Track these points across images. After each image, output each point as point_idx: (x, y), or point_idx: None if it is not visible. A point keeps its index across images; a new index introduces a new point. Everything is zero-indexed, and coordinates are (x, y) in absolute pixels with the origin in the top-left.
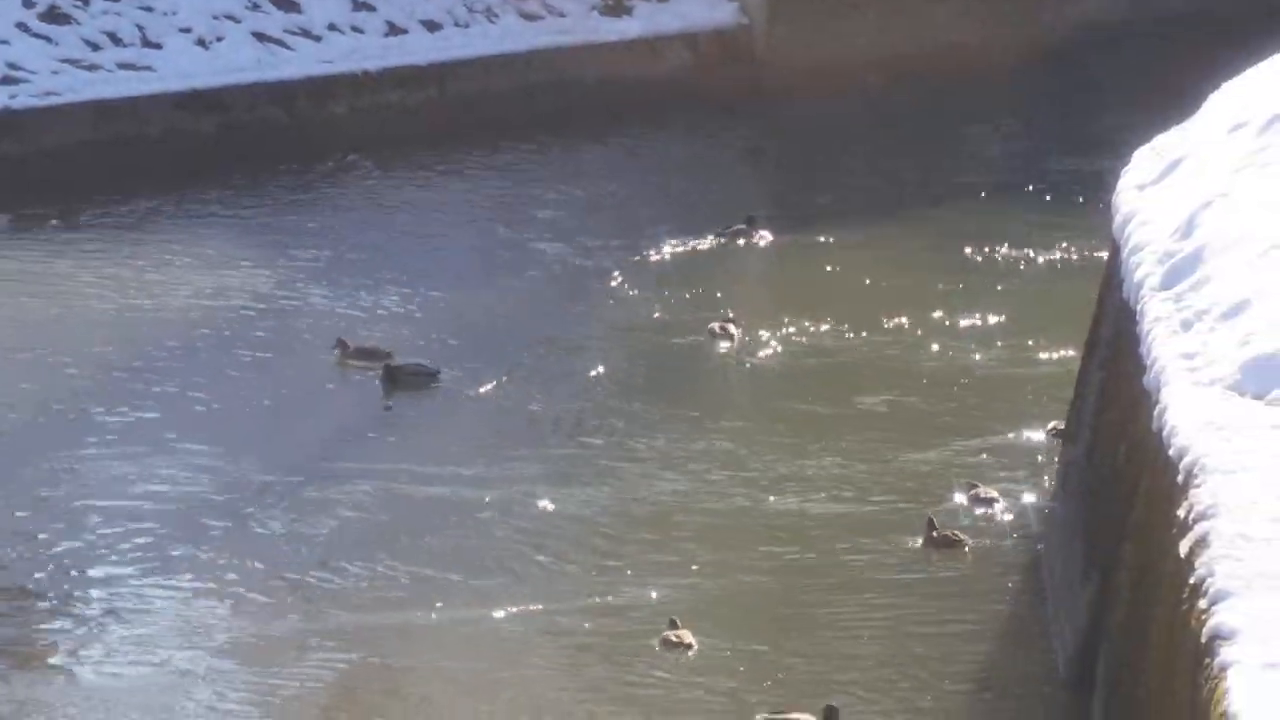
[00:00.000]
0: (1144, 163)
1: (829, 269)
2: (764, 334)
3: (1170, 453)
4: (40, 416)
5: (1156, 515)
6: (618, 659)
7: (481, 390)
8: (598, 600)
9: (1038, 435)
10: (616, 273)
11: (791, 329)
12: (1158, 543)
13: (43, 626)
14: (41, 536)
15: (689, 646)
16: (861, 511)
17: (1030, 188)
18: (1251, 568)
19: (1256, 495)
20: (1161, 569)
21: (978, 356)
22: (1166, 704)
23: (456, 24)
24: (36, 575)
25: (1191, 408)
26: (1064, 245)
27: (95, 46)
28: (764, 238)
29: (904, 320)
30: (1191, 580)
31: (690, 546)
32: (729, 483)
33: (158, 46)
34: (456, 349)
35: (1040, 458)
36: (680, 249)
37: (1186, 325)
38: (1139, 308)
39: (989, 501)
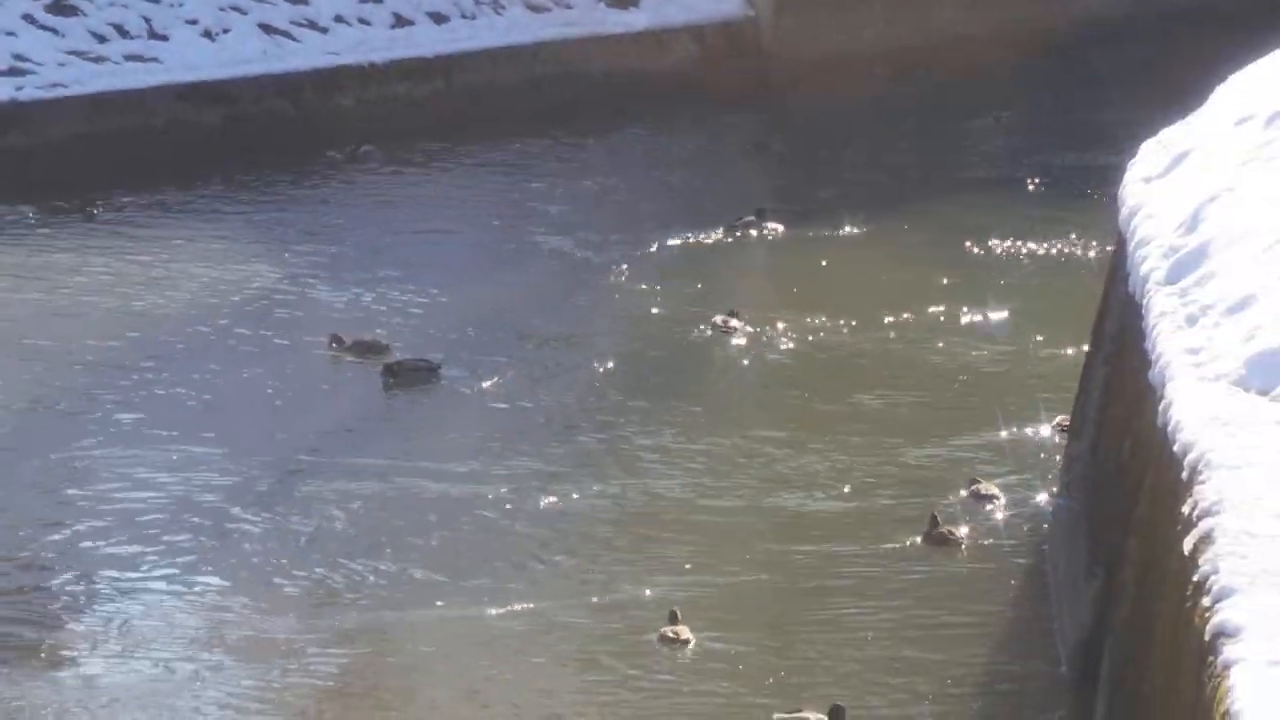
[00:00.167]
0: (1150, 156)
1: (833, 263)
2: (768, 328)
3: (1175, 448)
4: (38, 410)
5: (1161, 511)
6: (617, 656)
7: (483, 386)
8: (597, 598)
9: (1041, 431)
10: (620, 267)
11: (795, 323)
12: (1162, 539)
13: (40, 623)
14: (38, 532)
15: (686, 642)
16: (863, 507)
17: (1034, 182)
18: (1256, 564)
19: (1261, 491)
20: (1166, 565)
21: (981, 352)
22: (1170, 701)
23: (463, 16)
24: (34, 570)
25: (1196, 403)
26: (1068, 240)
27: (101, 38)
28: (774, 230)
29: (907, 315)
30: (1196, 577)
31: (691, 543)
32: (731, 479)
33: (164, 38)
34: (458, 343)
35: (1043, 454)
36: (685, 243)
37: (1192, 320)
38: (1144, 302)
39: (989, 498)
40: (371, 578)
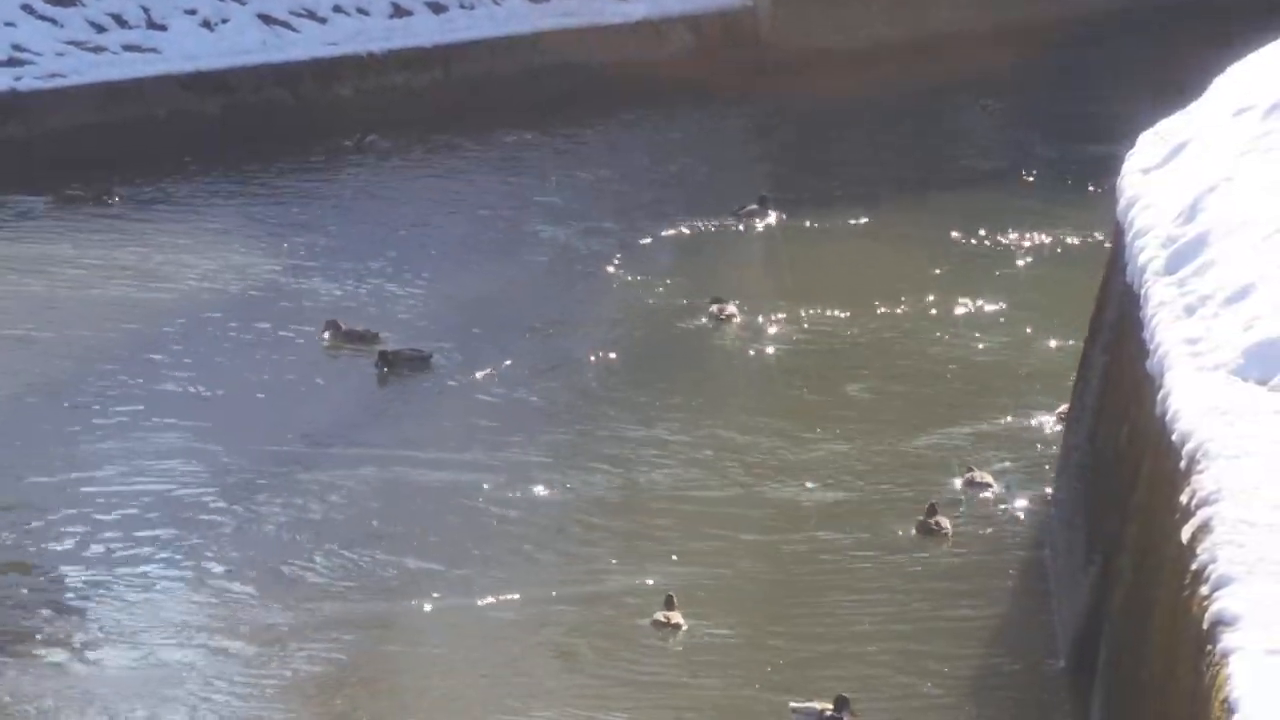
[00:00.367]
0: (1148, 147)
1: (829, 253)
2: (764, 318)
3: (1173, 438)
4: (33, 400)
5: (1159, 500)
6: (611, 644)
7: (477, 375)
8: (591, 586)
9: (1038, 420)
10: (617, 256)
11: (792, 313)
12: (1160, 527)
13: (34, 613)
14: (30, 522)
15: (678, 627)
16: (859, 497)
17: (1031, 174)
18: (1254, 553)
19: (1259, 480)
20: (1163, 554)
21: (978, 342)
22: (1168, 689)
23: (461, 6)
24: (31, 560)
25: (1195, 393)
26: (1065, 231)
27: (100, 28)
28: (777, 218)
29: (904, 305)
30: (1194, 566)
31: (685, 531)
32: (726, 468)
33: (163, 28)
34: (454, 333)
35: (1040, 444)
36: (682, 233)
37: (1190, 310)
38: (1142, 292)
39: (984, 486)
40: (365, 566)
